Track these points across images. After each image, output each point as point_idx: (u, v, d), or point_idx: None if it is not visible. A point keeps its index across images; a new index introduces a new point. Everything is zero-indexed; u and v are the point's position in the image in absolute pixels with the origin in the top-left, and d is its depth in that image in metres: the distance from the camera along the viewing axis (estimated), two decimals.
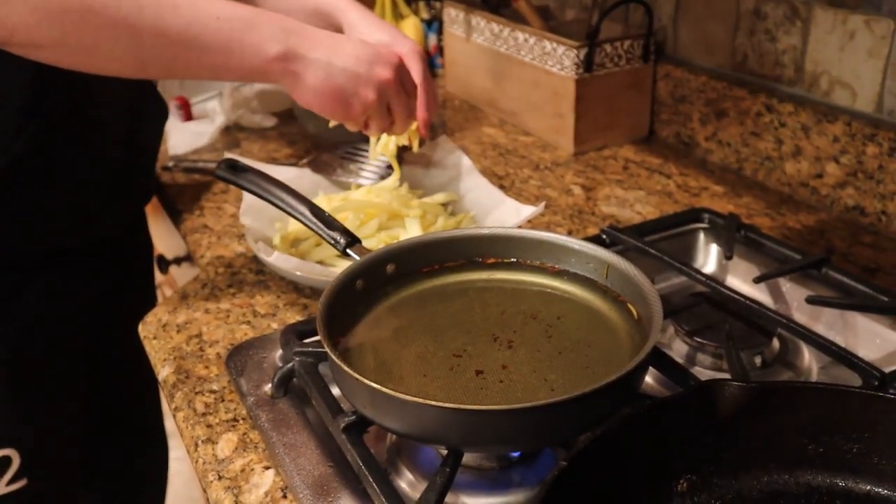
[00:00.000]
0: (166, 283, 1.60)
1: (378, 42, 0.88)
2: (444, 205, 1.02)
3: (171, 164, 1.25)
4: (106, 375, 1.08)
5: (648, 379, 0.76)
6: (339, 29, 1.02)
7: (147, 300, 1.19)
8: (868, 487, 0.57)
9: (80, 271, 0.99)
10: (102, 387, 1.08)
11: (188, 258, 1.23)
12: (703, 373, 0.78)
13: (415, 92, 0.87)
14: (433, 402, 0.56)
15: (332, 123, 0.89)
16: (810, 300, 0.82)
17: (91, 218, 0.97)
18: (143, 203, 1.11)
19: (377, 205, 0.97)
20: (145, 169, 1.08)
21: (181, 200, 1.15)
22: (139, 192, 1.08)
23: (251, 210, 0.97)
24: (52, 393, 0.98)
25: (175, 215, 1.12)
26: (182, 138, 1.34)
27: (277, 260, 0.88)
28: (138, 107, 1.02)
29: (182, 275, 1.30)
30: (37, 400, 0.96)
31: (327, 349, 0.61)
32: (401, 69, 0.84)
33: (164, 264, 1.34)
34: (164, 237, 1.44)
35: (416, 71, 0.87)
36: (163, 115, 1.11)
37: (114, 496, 1.17)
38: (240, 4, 0.77)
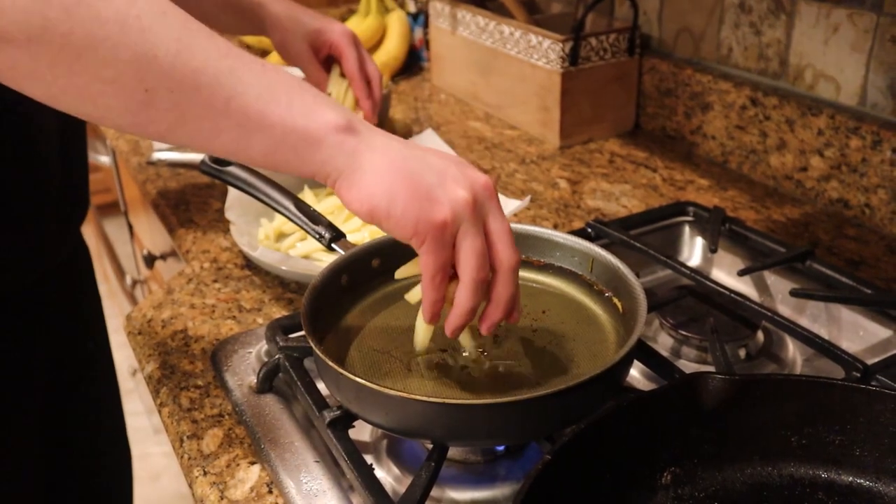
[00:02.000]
0: (152, 279, 1.59)
1: (310, 28, 0.83)
2: None
3: (155, 159, 1.24)
4: (62, 408, 1.00)
5: (634, 372, 0.76)
6: (259, 26, 0.95)
7: (96, 318, 1.11)
8: (850, 479, 0.57)
9: (26, 305, 0.89)
10: (57, 418, 1.02)
11: (174, 253, 1.22)
12: (688, 366, 0.78)
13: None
14: (418, 397, 0.56)
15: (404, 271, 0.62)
16: (794, 293, 0.83)
17: (38, 249, 0.87)
18: (81, 219, 0.97)
19: None
20: (80, 182, 0.94)
21: (166, 195, 1.14)
22: (79, 210, 0.96)
23: (236, 205, 0.97)
24: (7, 425, 0.91)
25: (160, 210, 1.12)
26: None
27: (263, 254, 0.88)
28: (68, 119, 0.89)
29: (168, 270, 1.30)
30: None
31: (312, 344, 0.61)
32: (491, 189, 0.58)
33: (150, 260, 1.34)
34: (149, 233, 1.43)
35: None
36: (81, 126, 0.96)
37: None
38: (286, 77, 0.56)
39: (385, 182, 0.54)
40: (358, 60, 0.80)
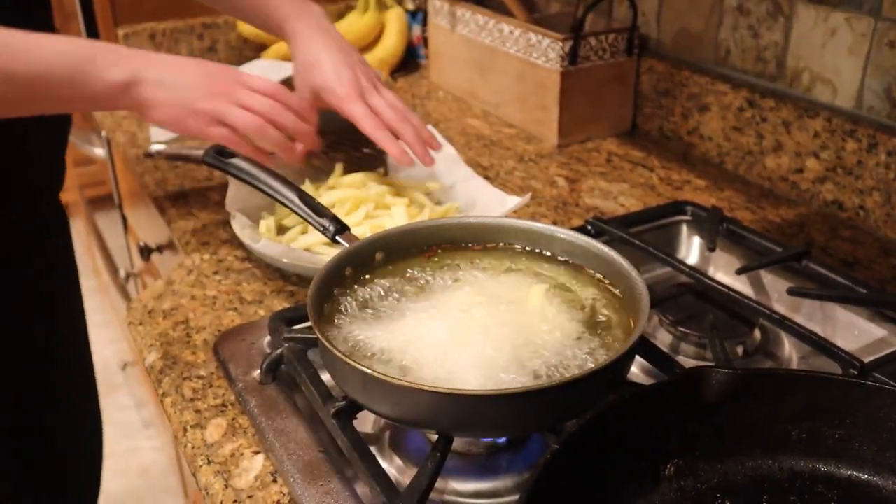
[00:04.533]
0: (146, 272, 1.59)
1: (315, 84, 0.93)
2: (429, 194, 1.02)
3: (153, 151, 1.24)
4: (31, 353, 1.05)
5: (632, 367, 0.77)
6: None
7: (68, 285, 1.14)
8: (849, 472, 0.58)
9: None
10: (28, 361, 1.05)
11: (170, 246, 1.22)
12: (686, 362, 0.79)
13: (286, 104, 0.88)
14: (425, 387, 0.57)
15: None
16: (792, 291, 0.84)
17: None
18: (52, 191, 1.04)
19: (364, 194, 0.97)
20: (50, 156, 1.00)
21: (164, 188, 1.14)
22: (46, 181, 1.01)
23: (237, 197, 0.97)
24: None
25: (159, 203, 1.12)
26: None
27: (265, 247, 0.88)
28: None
29: (164, 262, 1.30)
30: None
31: (319, 334, 0.62)
32: (246, 80, 0.87)
33: (146, 252, 1.34)
34: (144, 225, 1.43)
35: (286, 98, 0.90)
36: (63, 123, 1.03)
37: (46, 464, 1.13)
38: (83, 40, 0.82)
39: (166, 111, 0.84)
40: (369, 115, 0.91)
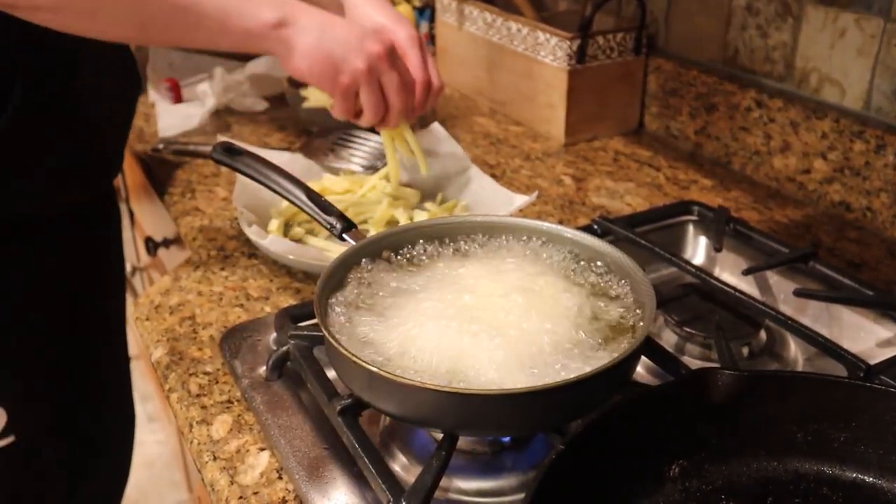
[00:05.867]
0: (152, 267, 1.59)
1: (375, 24, 0.88)
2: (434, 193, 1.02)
3: (160, 146, 1.24)
4: (75, 344, 1.09)
5: (637, 368, 0.77)
6: (340, 7, 1.01)
7: (115, 275, 1.18)
8: (854, 475, 0.58)
9: (47, 240, 0.99)
10: (73, 353, 1.08)
11: (176, 241, 1.22)
12: (691, 362, 0.79)
13: (409, 78, 0.86)
14: (431, 386, 0.57)
15: (328, 106, 0.88)
16: (798, 293, 0.84)
17: (56, 189, 0.96)
18: (111, 177, 1.09)
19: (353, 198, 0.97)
20: (117, 143, 1.06)
21: (171, 183, 1.15)
22: (109, 166, 1.06)
23: (244, 194, 0.97)
24: (31, 354, 0.99)
25: (165, 197, 1.12)
26: (172, 121, 1.33)
27: (272, 243, 0.88)
28: (117, 80, 1.01)
29: (170, 257, 1.30)
30: (22, 358, 0.97)
31: (324, 331, 0.62)
32: (393, 50, 0.85)
33: (152, 247, 1.34)
34: (151, 219, 1.43)
35: (413, 58, 0.87)
36: (136, 89, 1.09)
37: (81, 456, 1.17)
38: None
39: (310, 61, 0.81)
40: (418, 61, 0.88)
